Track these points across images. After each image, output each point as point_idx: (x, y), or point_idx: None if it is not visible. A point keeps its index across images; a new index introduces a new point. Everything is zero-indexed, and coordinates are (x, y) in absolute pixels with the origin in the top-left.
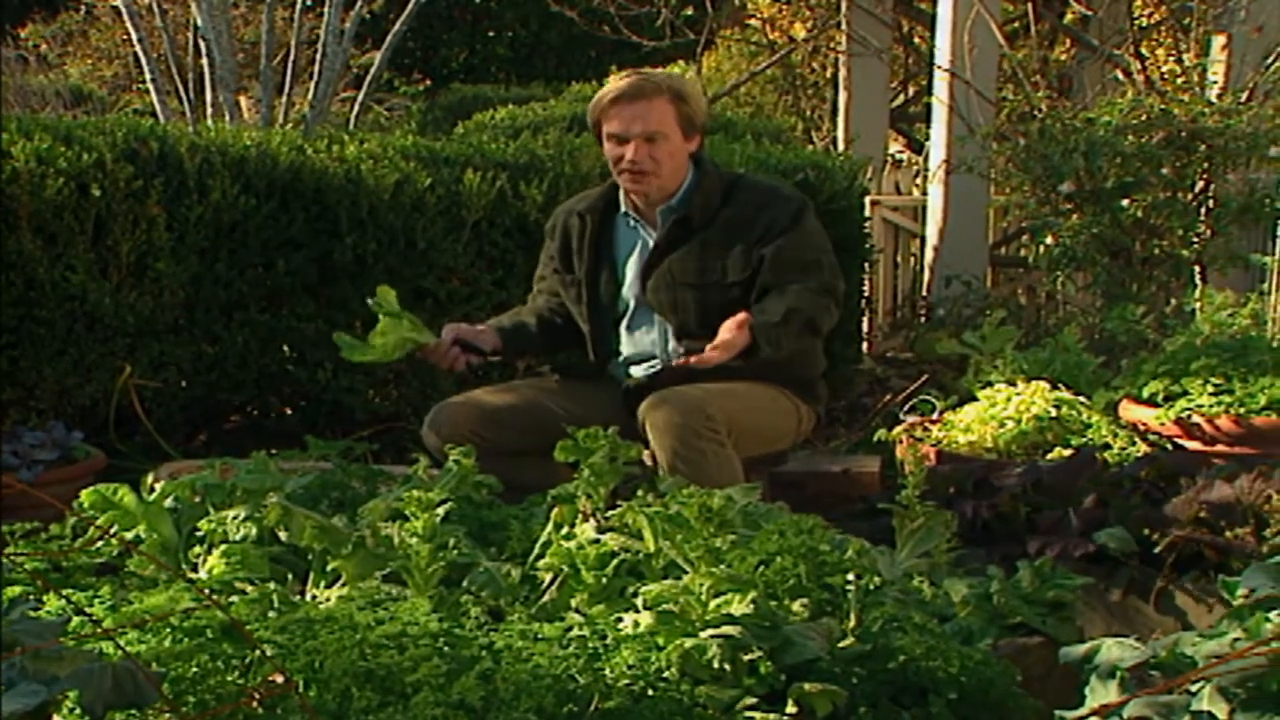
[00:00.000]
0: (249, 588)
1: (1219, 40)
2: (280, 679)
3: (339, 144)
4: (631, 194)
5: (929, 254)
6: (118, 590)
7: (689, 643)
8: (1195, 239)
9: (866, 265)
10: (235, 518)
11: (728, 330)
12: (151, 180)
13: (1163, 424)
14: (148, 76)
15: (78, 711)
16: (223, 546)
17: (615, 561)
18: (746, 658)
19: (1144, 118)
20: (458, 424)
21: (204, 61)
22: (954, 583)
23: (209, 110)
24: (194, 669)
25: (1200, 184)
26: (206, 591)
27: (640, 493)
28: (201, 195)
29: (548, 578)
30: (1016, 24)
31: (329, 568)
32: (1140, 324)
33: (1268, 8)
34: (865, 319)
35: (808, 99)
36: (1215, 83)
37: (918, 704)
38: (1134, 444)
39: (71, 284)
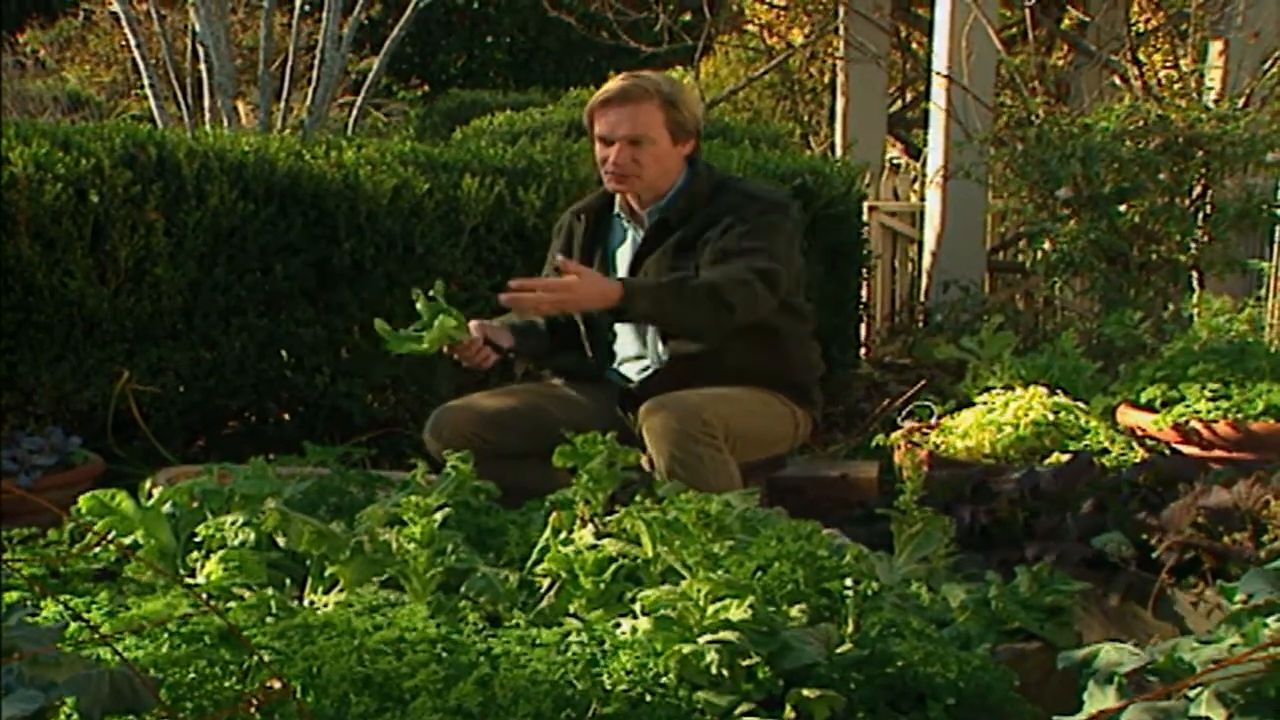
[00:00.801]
0: (247, 593)
1: (1216, 46)
2: (278, 685)
3: (337, 149)
4: (621, 197)
5: (927, 259)
6: (115, 596)
7: (687, 648)
8: (1193, 244)
9: (864, 271)
10: (233, 523)
11: (550, 284)
12: (150, 186)
13: (1161, 429)
14: (146, 82)
15: (75, 717)
16: (221, 552)
17: (613, 567)
18: (745, 663)
19: (1141, 123)
20: (459, 427)
21: (202, 67)
22: (952, 588)
23: (207, 116)
24: (192, 675)
25: (1198, 189)
26: (204, 597)
27: (638, 498)
28: (200, 200)
29: (546, 583)
30: (1014, 30)
31: (327, 573)
32: (1138, 329)
33: (1264, 14)
34: (863, 324)
35: (805, 104)
36: (1212, 88)
37: (916, 709)
38: (1132, 449)
39: (70, 289)
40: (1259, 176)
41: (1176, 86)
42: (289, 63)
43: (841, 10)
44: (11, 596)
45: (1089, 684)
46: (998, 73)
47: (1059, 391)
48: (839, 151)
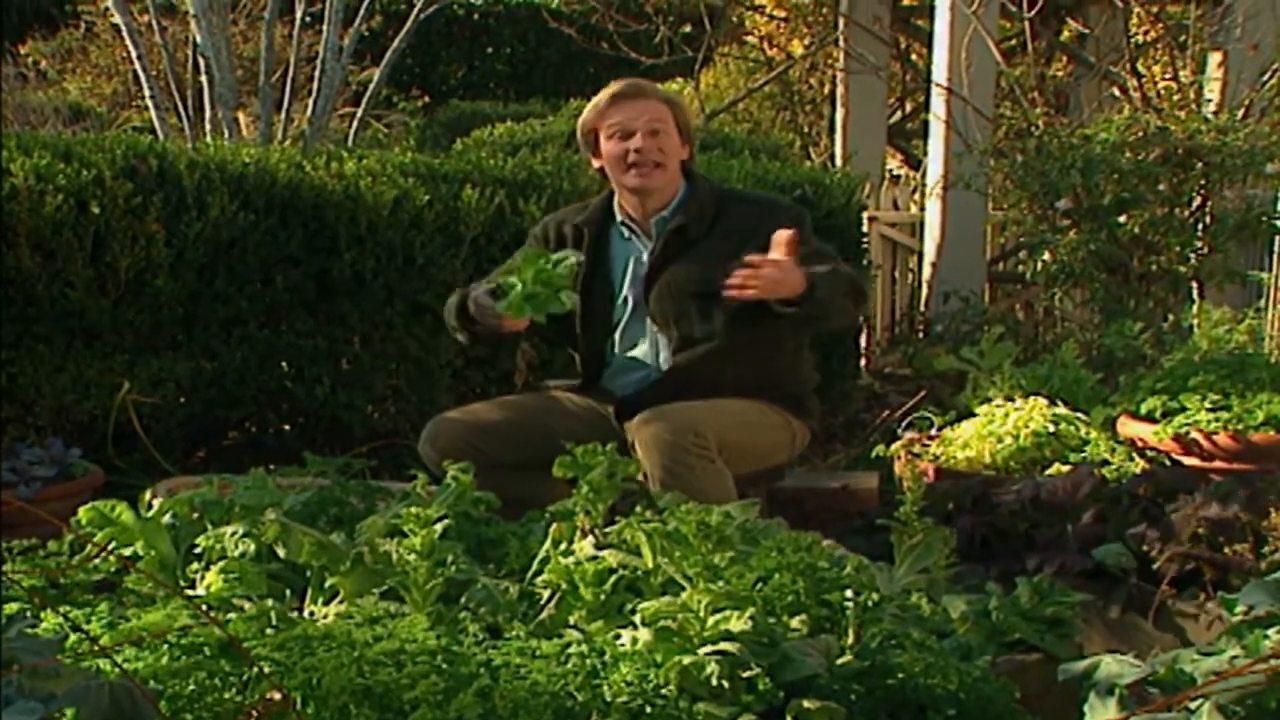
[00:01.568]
0: (247, 604)
1: (1215, 57)
2: (278, 696)
3: (338, 160)
4: (636, 192)
5: (927, 270)
6: (115, 607)
7: (687, 659)
8: (1193, 255)
9: None
10: (233, 534)
11: (777, 264)
12: (150, 197)
13: (1161, 440)
14: (147, 93)
15: None
16: (221, 563)
17: (613, 578)
18: (745, 675)
19: (1141, 134)
20: (455, 438)
21: (203, 78)
22: (952, 599)
23: (208, 127)
24: (191, 686)
25: (1197, 200)
26: (204, 608)
27: (638, 509)
28: (200, 212)
29: (546, 594)
30: (1014, 41)
31: (327, 584)
32: (1138, 340)
33: (1263, 25)
34: (863, 335)
35: (805, 115)
36: (1211, 100)
37: None
38: (1132, 460)
39: (70, 300)
40: (1258, 188)
41: (1176, 98)
42: (290, 74)
43: (841, 22)
44: (11, 608)
45: (1090, 696)
46: (997, 84)
47: (1059, 402)
48: (839, 162)
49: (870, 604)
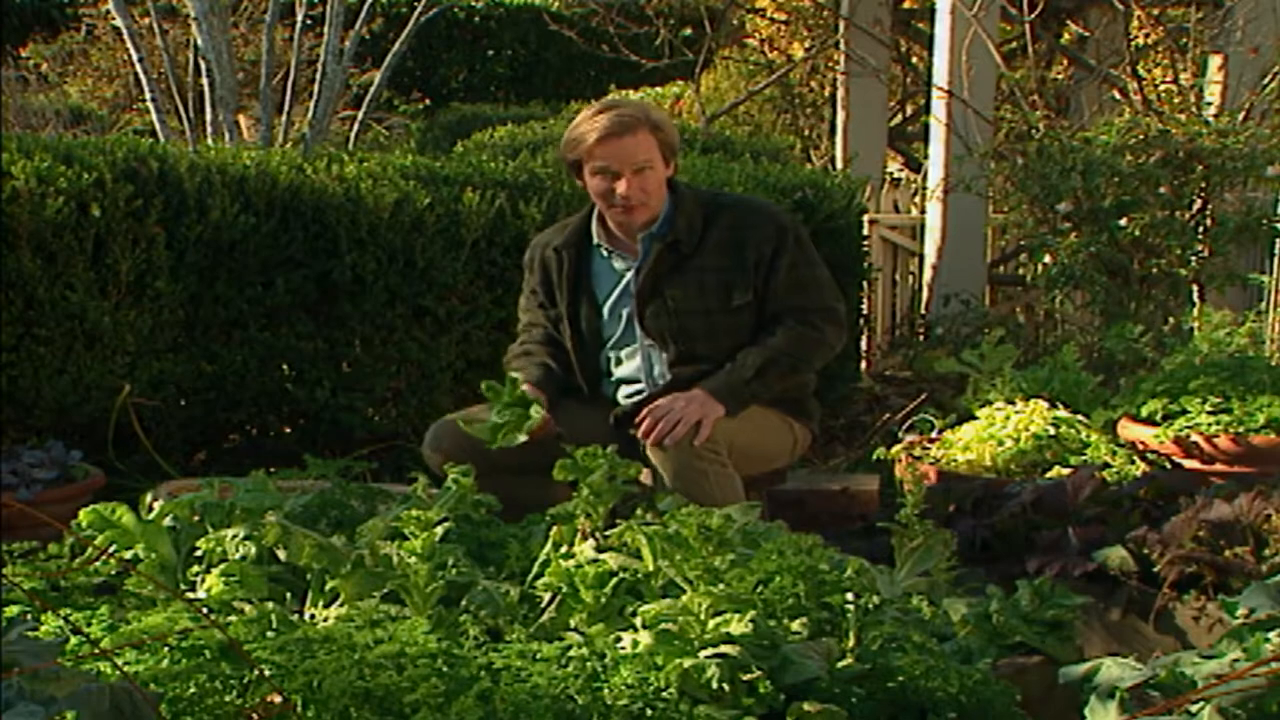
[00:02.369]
0: (247, 607)
1: (1215, 60)
2: (278, 699)
3: (338, 163)
4: (619, 226)
5: (927, 273)
6: (116, 610)
7: (688, 662)
8: (1193, 258)
9: (865, 284)
10: (234, 537)
11: (679, 406)
12: (151, 199)
13: (1161, 443)
14: (148, 96)
15: None
16: (221, 566)
17: (614, 581)
18: (745, 677)
19: (1141, 137)
20: (458, 440)
21: (204, 81)
22: (953, 602)
23: (209, 129)
24: (192, 689)
25: (1198, 203)
26: (205, 611)
27: (639, 512)
28: (201, 214)
29: (546, 597)
30: (1014, 44)
31: (328, 587)
32: (1139, 343)
33: (1263, 28)
34: (864, 337)
35: (806, 118)
36: (1212, 103)
37: None
38: (1133, 463)
39: (71, 303)
40: (1259, 190)
41: (1176, 101)
42: (290, 77)
43: (842, 25)
44: (12, 611)
45: (1090, 699)
46: (998, 87)
47: (1060, 405)
48: (839, 165)
49: (871, 607)
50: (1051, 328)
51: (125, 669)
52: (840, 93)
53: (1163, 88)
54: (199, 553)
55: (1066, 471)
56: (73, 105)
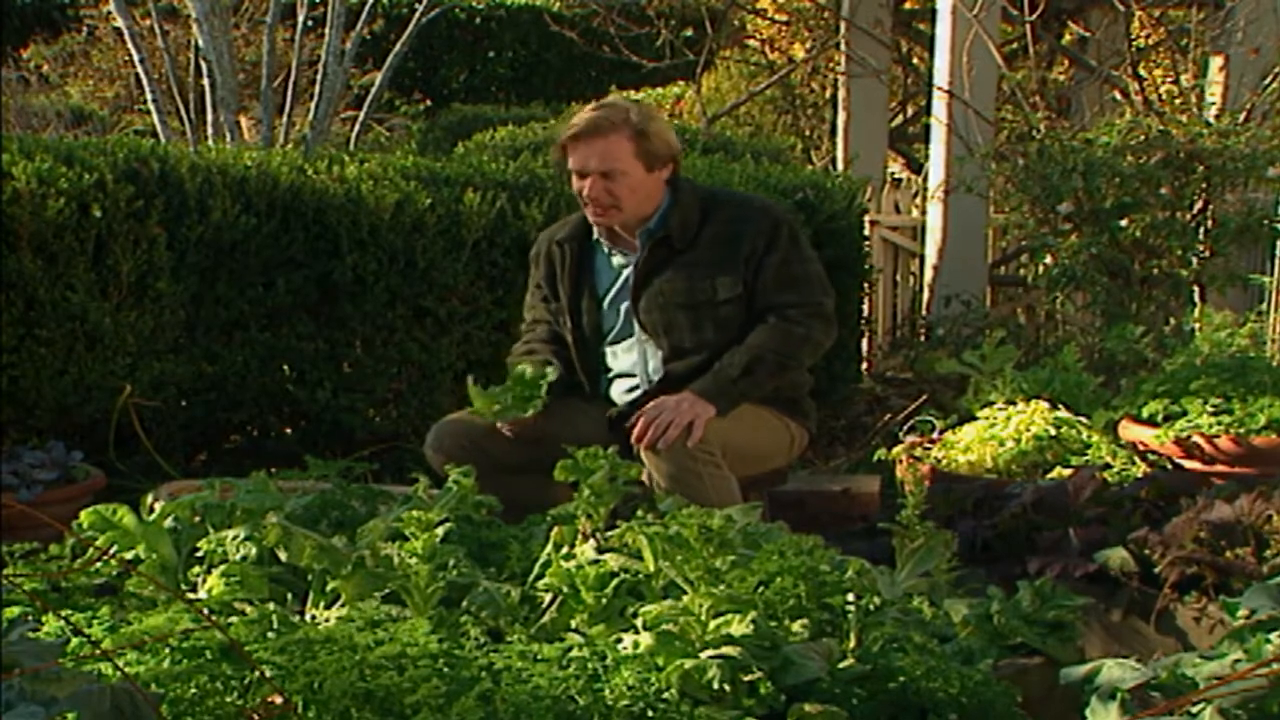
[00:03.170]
0: (248, 608)
1: (1216, 61)
2: (279, 700)
3: (339, 164)
4: (596, 224)
5: (928, 273)
6: (117, 611)
7: (689, 663)
8: (1194, 259)
9: (866, 285)
10: (235, 538)
11: (670, 408)
12: (152, 200)
13: (1162, 443)
14: (149, 97)
15: None
16: (222, 567)
17: (615, 582)
18: (746, 678)
19: (1142, 138)
20: (460, 440)
21: (205, 82)
22: (954, 603)
23: (210, 130)
24: (193, 690)
25: (1199, 204)
26: (206, 612)
27: (640, 513)
28: (202, 215)
29: (547, 598)
30: (1015, 45)
31: (329, 588)
32: (1139, 343)
33: (1264, 29)
34: (865, 338)
35: (807, 119)
36: (1213, 104)
37: None
38: (1134, 463)
39: (72, 304)
40: (1260, 191)
41: (1177, 101)
42: (291, 78)
43: (843, 25)
44: (13, 611)
45: (1091, 700)
46: (999, 88)
47: (1060, 406)
48: (840, 166)
49: (872, 608)
50: (1052, 329)
51: (126, 670)
52: (841, 93)
53: (1164, 89)
54: (200, 553)
55: (1067, 472)
56: (74, 106)
